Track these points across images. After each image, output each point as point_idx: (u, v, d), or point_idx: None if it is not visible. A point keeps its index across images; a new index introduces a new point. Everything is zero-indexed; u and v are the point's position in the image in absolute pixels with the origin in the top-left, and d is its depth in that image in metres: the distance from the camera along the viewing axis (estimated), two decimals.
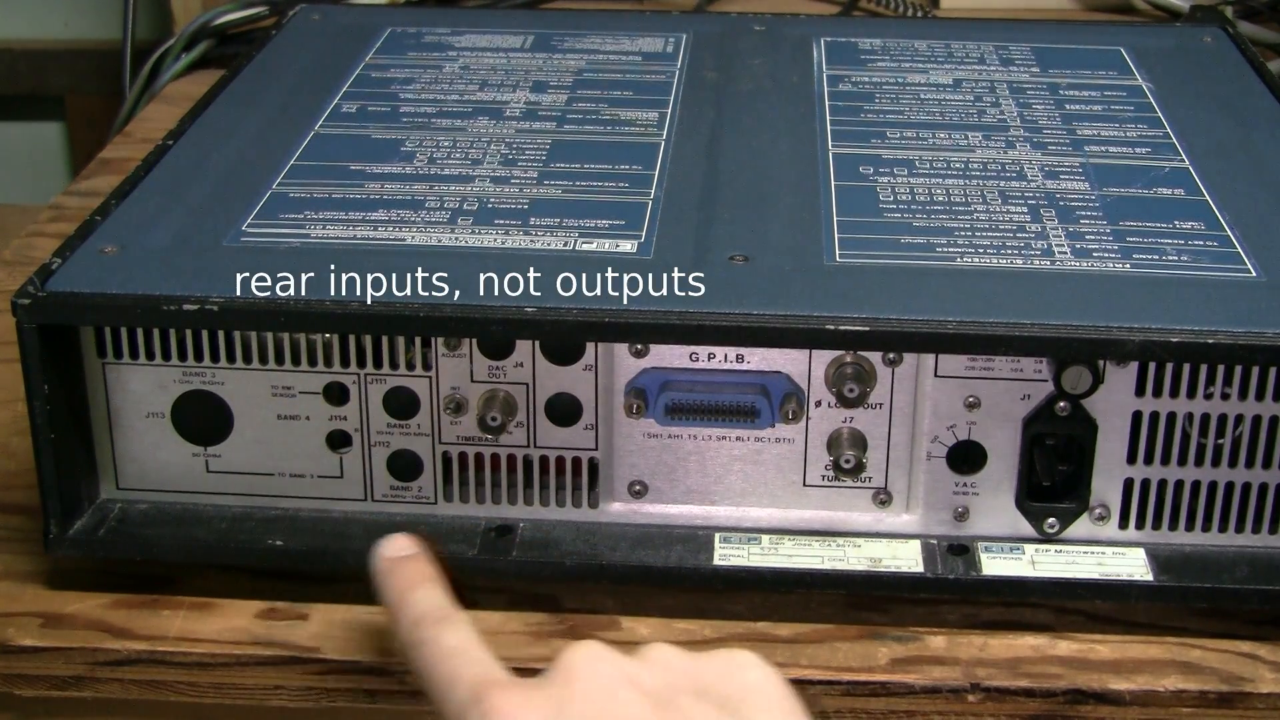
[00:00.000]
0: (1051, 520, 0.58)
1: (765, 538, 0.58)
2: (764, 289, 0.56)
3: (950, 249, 0.59)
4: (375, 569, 0.53)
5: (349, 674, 0.57)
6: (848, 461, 0.57)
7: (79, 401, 0.58)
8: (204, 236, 0.60)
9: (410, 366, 0.58)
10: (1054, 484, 0.57)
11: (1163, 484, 0.57)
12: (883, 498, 0.59)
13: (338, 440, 0.59)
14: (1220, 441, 0.56)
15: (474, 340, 0.57)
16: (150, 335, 0.58)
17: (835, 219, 0.62)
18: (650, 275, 0.57)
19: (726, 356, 0.57)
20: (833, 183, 0.65)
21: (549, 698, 0.45)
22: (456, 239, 0.60)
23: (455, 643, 0.49)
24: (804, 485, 0.59)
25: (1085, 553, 0.58)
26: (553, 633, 0.58)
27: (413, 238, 0.60)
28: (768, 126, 0.70)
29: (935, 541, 0.58)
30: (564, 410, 0.58)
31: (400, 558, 0.53)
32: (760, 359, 0.57)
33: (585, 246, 0.59)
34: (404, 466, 0.59)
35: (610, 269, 0.57)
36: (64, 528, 0.58)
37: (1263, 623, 0.58)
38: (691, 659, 0.47)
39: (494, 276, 0.56)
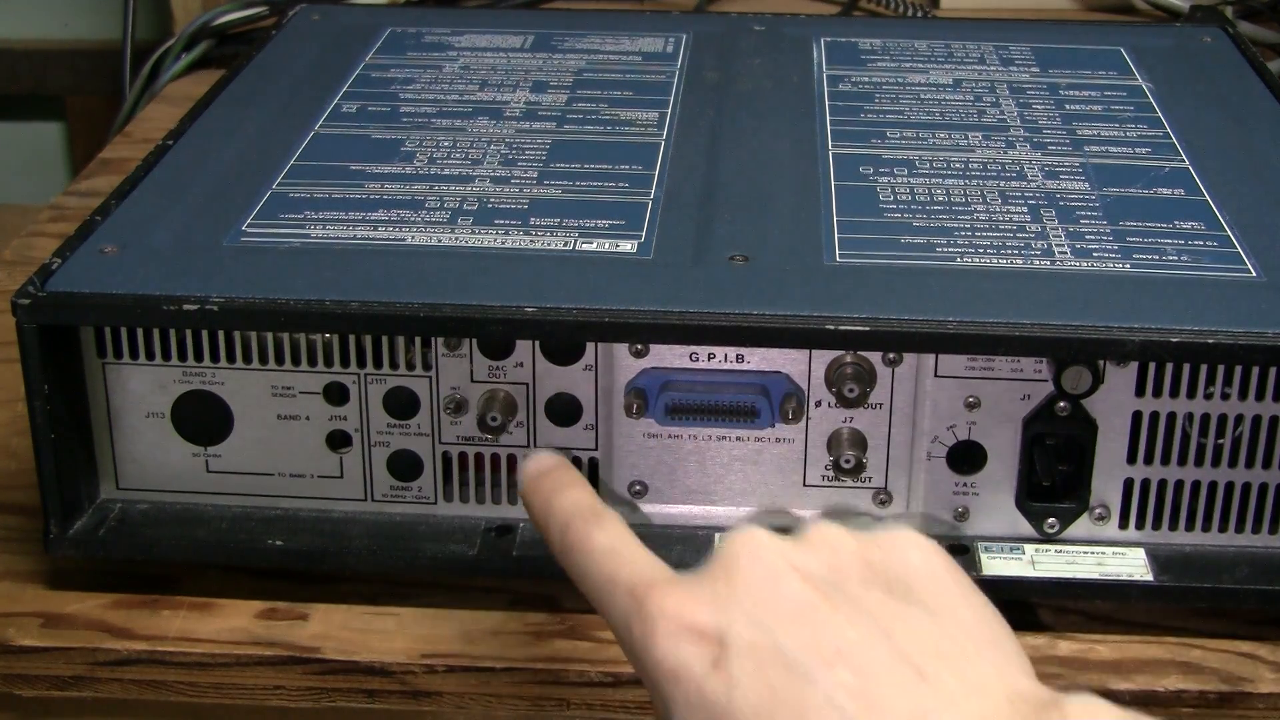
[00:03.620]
0: (1051, 520, 0.58)
1: None
2: (764, 289, 0.56)
3: (950, 249, 0.59)
4: (520, 488, 0.52)
5: (349, 674, 0.57)
6: (848, 461, 0.57)
7: (79, 401, 0.58)
8: (204, 236, 0.60)
9: (410, 366, 0.58)
10: (1054, 484, 0.57)
11: (1163, 484, 0.57)
12: (883, 498, 0.59)
13: (338, 440, 0.59)
14: (1220, 441, 0.56)
15: (474, 340, 0.57)
16: (150, 335, 0.58)
17: (835, 219, 0.62)
18: (650, 275, 0.57)
19: (726, 356, 0.57)
20: (833, 183, 0.65)
21: (713, 593, 0.43)
22: (456, 239, 0.60)
23: (606, 542, 0.47)
24: (804, 485, 0.59)
25: (1085, 553, 0.58)
26: (553, 633, 0.58)
27: (413, 238, 0.60)
28: (768, 126, 0.70)
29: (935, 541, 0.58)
30: (564, 410, 0.58)
31: (540, 470, 0.51)
32: (760, 359, 0.57)
33: (585, 246, 0.59)
34: (404, 466, 0.59)
35: (610, 269, 0.57)
36: (64, 528, 0.58)
37: (1263, 623, 0.58)
38: (855, 539, 0.45)
39: (494, 276, 0.56)
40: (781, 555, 0.44)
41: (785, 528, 0.45)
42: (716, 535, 0.58)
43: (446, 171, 0.65)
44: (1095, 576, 0.57)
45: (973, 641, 0.42)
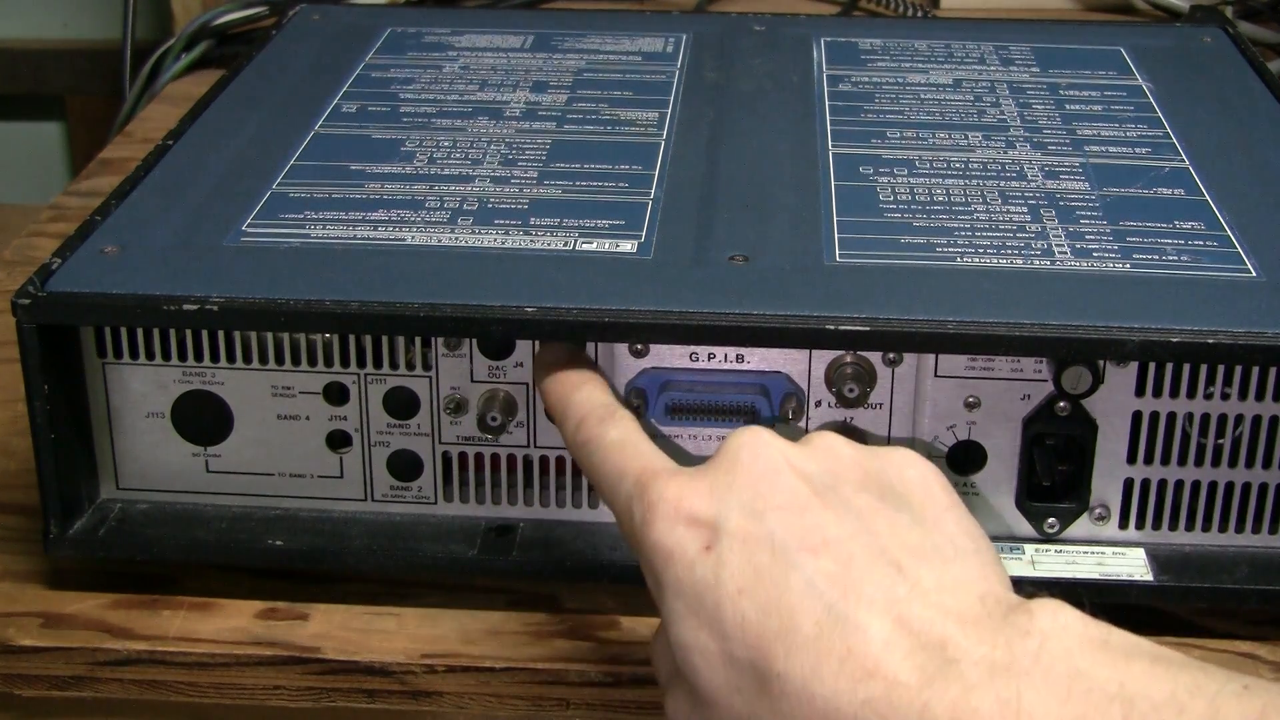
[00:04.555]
0: (1051, 520, 0.58)
1: None
2: (764, 289, 0.56)
3: (950, 249, 0.59)
4: (535, 378, 0.54)
5: (349, 674, 0.57)
6: None
7: (79, 401, 0.58)
8: (204, 236, 0.60)
9: (410, 366, 0.58)
10: (1054, 484, 0.57)
11: (1163, 484, 0.57)
12: None
13: (338, 440, 0.59)
14: (1220, 441, 0.56)
15: (474, 340, 0.57)
16: (150, 335, 0.58)
17: (835, 219, 0.62)
18: (650, 275, 0.57)
19: (726, 356, 0.57)
20: (833, 183, 0.65)
21: (711, 483, 0.45)
22: (456, 239, 0.60)
23: (617, 436, 0.49)
24: None
25: (1085, 553, 0.58)
26: (553, 633, 0.58)
27: (413, 238, 0.60)
28: (768, 126, 0.70)
29: None
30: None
31: (559, 363, 0.54)
32: (760, 359, 0.57)
33: (585, 246, 0.59)
34: (404, 466, 0.59)
35: (610, 269, 0.57)
36: (64, 528, 0.58)
37: (1263, 623, 0.58)
38: (856, 449, 0.47)
39: (494, 276, 0.56)
40: (782, 454, 0.46)
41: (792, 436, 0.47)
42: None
43: (446, 171, 0.65)
44: (1095, 576, 0.57)
45: (954, 547, 0.44)
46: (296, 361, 0.58)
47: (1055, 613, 0.41)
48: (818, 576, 0.42)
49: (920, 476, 0.46)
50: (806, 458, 0.46)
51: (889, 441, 0.58)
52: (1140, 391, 0.56)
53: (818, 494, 0.44)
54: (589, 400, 0.52)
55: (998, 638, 0.40)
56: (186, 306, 0.55)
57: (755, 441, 0.46)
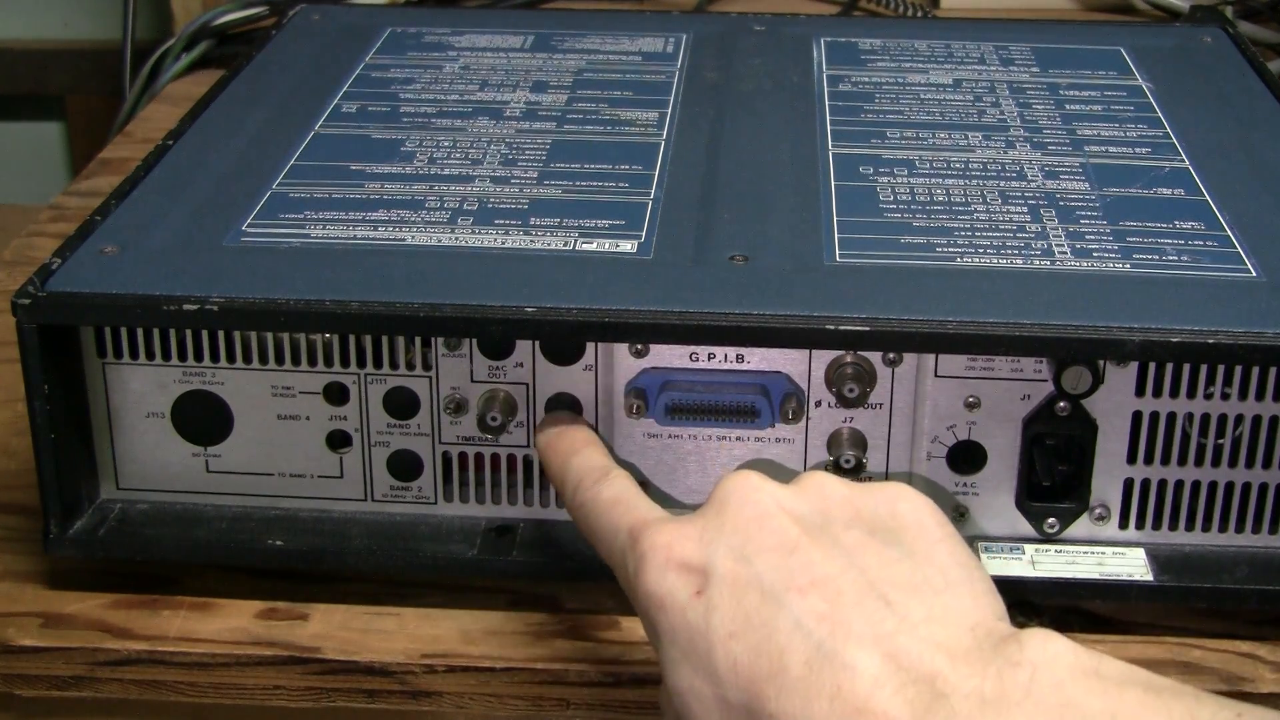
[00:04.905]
0: (1051, 520, 0.58)
1: None
2: (764, 289, 0.56)
3: (950, 249, 0.59)
4: (536, 447, 0.56)
5: (349, 674, 0.57)
6: (848, 461, 0.57)
7: (79, 401, 0.58)
8: (204, 236, 0.60)
9: (410, 366, 0.58)
10: (1054, 484, 0.57)
11: (1163, 484, 0.57)
12: None
13: (338, 440, 0.59)
14: (1220, 441, 0.56)
15: (474, 340, 0.57)
16: (150, 335, 0.58)
17: (835, 219, 0.62)
18: (650, 275, 0.57)
19: (726, 356, 0.57)
20: (833, 183, 0.65)
21: (701, 528, 0.46)
22: (456, 239, 0.60)
23: (611, 494, 0.50)
24: None
25: (1085, 553, 0.58)
26: (553, 633, 0.58)
27: (413, 238, 0.60)
28: (768, 126, 0.70)
29: None
30: (564, 410, 0.58)
31: (557, 431, 0.55)
32: (760, 359, 0.57)
33: (585, 246, 0.59)
34: (404, 466, 0.59)
35: (610, 269, 0.57)
36: (64, 528, 0.58)
37: (1263, 623, 0.58)
38: (847, 486, 0.47)
39: (494, 276, 0.56)
40: (772, 497, 0.46)
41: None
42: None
43: (446, 171, 0.65)
44: (1095, 576, 0.57)
45: (944, 579, 0.44)
46: (296, 361, 0.58)
47: (1045, 642, 0.41)
48: (806, 615, 0.42)
49: (912, 510, 0.46)
50: (796, 498, 0.46)
51: (889, 441, 0.58)
52: (1140, 391, 0.56)
53: (807, 533, 0.45)
54: (585, 463, 0.53)
55: (988, 669, 0.40)
56: (186, 306, 0.55)
57: (745, 485, 0.46)
